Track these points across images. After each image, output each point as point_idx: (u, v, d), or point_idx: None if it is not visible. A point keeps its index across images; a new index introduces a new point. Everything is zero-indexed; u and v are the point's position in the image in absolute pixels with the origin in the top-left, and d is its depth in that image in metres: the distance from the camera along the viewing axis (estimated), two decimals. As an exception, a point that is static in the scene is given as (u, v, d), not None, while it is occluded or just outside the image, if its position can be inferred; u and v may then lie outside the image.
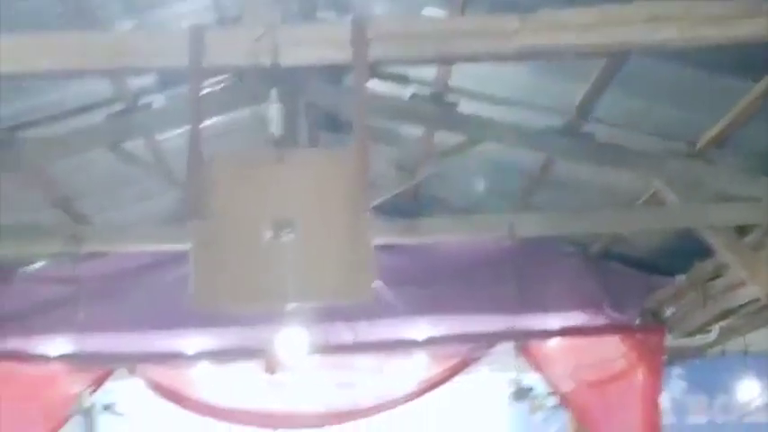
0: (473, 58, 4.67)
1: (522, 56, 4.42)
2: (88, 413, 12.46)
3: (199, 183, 4.03)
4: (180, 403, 9.40)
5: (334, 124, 7.22)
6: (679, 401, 12.36)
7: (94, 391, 8.94)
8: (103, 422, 13.17)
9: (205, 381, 9.48)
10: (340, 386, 9.99)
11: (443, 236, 7.62)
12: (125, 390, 10.59)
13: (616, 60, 5.28)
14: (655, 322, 8.57)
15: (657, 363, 8.62)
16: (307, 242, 4.11)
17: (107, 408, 9.14)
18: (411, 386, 9.57)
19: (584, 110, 6.20)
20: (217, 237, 4.11)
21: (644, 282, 8.62)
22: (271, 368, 9.34)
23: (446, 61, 5.28)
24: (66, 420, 8.95)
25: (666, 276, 8.39)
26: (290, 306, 5.16)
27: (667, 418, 9.71)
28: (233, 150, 6.69)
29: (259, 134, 6.95)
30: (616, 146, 6.61)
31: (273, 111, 4.86)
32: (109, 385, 9.68)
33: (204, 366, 9.23)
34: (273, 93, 4.83)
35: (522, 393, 8.86)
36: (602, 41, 4.24)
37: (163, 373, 9.17)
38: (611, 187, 7.38)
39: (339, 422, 10.76)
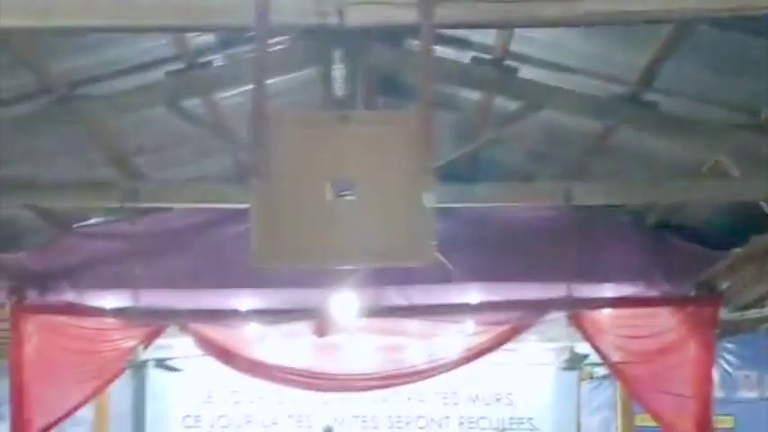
0: (539, 24, 4.62)
1: (588, 22, 4.37)
2: (140, 368, 12.59)
3: (262, 142, 4.03)
4: (229, 362, 9.43)
5: (391, 87, 7.18)
6: (729, 376, 12.27)
7: (146, 347, 8.99)
8: (154, 377, 13.35)
9: (255, 341, 9.52)
10: (389, 351, 9.99)
11: (500, 202, 7.59)
12: (181, 346, 10.65)
13: (682, 28, 5.20)
14: (709, 295, 8.46)
15: (710, 336, 8.52)
16: (367, 203, 4.12)
17: (159, 363, 9.14)
18: (460, 353, 9.54)
19: (647, 79, 6.12)
20: (277, 195, 4.12)
21: (700, 254, 8.50)
22: (321, 331, 9.36)
23: (512, 25, 5.23)
24: (119, 374, 9.04)
25: (723, 250, 8.27)
26: (349, 266, 5.17)
27: (717, 393, 9.61)
28: (293, 110, 6.67)
29: (315, 96, 6.98)
30: (678, 116, 6.53)
31: (337, 71, 4.86)
32: (164, 341, 9.76)
33: (255, 327, 9.25)
34: (337, 54, 4.82)
35: (576, 360, 8.76)
36: (671, 7, 4.18)
37: (214, 331, 9.19)
38: (671, 157, 7.30)
39: (387, 386, 10.79)
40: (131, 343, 8.71)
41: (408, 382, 10.24)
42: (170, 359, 10.07)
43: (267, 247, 4.11)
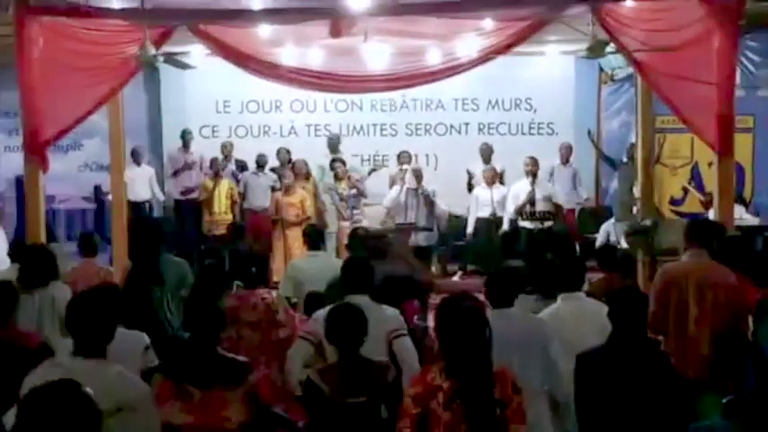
0: None
1: None
2: (153, 73, 12.36)
3: None
4: (242, 64, 9.16)
5: None
6: (751, 75, 12.13)
7: (157, 49, 8.64)
8: (168, 85, 13.20)
9: (270, 44, 9.24)
10: (406, 54, 9.73)
11: None
12: (194, 52, 10.29)
13: None
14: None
15: (734, 26, 8.21)
16: None
17: (170, 59, 8.76)
18: (478, 51, 9.27)
19: None
20: None
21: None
22: (336, 31, 9.09)
23: None
24: (129, 76, 8.74)
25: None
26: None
27: (738, 92, 9.38)
28: None
29: None
30: None
31: None
32: (176, 48, 9.38)
33: (268, 29, 8.93)
34: None
35: (598, 47, 8.38)
36: None
37: (225, 34, 8.89)
38: None
39: (404, 86, 10.59)
40: (138, 46, 8.40)
41: (426, 82, 10.01)
42: (182, 54, 9.56)
43: None
